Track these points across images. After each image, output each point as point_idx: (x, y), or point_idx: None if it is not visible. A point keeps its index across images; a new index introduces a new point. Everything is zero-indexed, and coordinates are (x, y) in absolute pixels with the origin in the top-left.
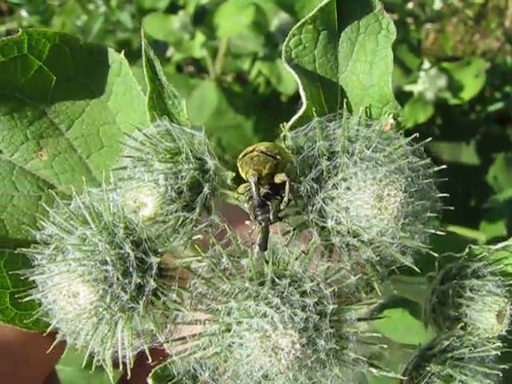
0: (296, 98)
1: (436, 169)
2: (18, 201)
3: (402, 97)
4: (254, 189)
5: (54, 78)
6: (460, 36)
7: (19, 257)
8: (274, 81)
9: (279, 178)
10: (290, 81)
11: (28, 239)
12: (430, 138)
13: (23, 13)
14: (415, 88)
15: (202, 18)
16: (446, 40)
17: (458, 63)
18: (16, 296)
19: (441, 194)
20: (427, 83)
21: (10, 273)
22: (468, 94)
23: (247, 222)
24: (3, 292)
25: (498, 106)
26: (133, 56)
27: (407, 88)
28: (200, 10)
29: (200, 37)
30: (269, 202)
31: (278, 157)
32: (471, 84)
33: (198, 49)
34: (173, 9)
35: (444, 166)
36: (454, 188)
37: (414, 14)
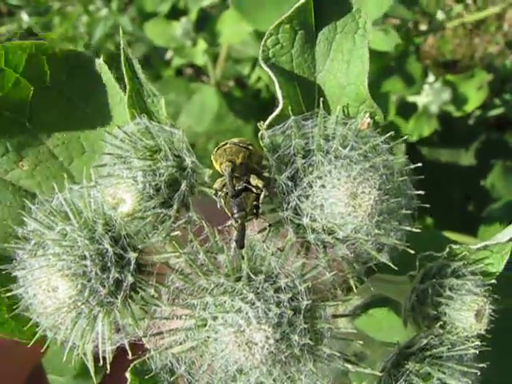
0: None
1: (412, 166)
2: (1, 212)
3: (406, 108)
4: (227, 178)
5: (32, 88)
6: (459, 39)
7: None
8: (273, 86)
9: (256, 181)
10: None
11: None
12: (406, 137)
13: (23, 15)
14: (419, 100)
15: (204, 25)
16: (444, 44)
17: (461, 76)
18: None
19: (417, 192)
20: (431, 96)
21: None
22: (471, 106)
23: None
24: (0, 307)
25: (498, 111)
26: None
27: (410, 99)
28: (202, 16)
29: (202, 44)
30: (244, 194)
31: (251, 147)
32: (474, 96)
33: (199, 56)
34: (174, 14)
35: (419, 164)
36: (452, 193)
37: (415, 21)
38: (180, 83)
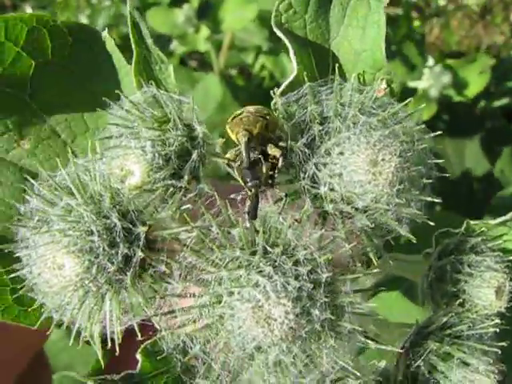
0: None
1: (432, 135)
2: (2, 193)
3: (407, 93)
4: (243, 148)
5: (33, 62)
6: (465, 31)
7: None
8: (278, 75)
9: (273, 150)
10: None
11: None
12: (423, 105)
13: (27, 8)
14: (419, 84)
15: (207, 12)
16: (450, 35)
17: (462, 60)
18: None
19: (436, 160)
20: (431, 80)
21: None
22: (472, 91)
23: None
24: (3, 289)
25: (504, 101)
26: None
27: (411, 84)
28: (204, 3)
29: (204, 30)
30: (258, 166)
31: (268, 117)
32: (476, 81)
33: (202, 42)
34: (176, 2)
35: (440, 132)
36: (459, 182)
37: (419, 7)
38: (183, 72)
